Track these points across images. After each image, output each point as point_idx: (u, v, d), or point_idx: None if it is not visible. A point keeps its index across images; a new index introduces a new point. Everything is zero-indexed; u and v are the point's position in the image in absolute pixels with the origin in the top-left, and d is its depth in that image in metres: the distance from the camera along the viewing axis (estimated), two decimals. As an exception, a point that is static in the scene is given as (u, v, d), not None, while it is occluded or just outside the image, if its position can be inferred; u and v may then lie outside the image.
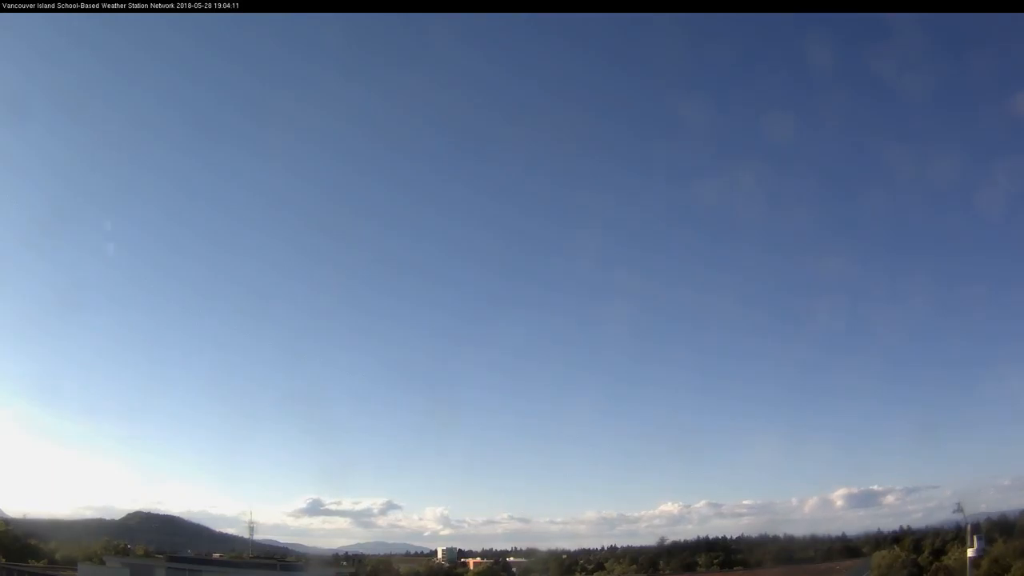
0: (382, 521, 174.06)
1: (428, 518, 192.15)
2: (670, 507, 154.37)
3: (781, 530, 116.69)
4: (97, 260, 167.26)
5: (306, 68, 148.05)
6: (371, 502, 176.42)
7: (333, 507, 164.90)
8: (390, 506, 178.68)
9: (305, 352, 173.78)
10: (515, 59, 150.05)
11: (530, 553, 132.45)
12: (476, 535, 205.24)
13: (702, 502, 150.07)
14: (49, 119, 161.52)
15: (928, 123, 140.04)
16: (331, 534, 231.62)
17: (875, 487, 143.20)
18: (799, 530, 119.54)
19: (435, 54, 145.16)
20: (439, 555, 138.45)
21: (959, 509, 70.23)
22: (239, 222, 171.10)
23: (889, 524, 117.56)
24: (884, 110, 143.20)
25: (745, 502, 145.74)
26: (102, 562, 77.44)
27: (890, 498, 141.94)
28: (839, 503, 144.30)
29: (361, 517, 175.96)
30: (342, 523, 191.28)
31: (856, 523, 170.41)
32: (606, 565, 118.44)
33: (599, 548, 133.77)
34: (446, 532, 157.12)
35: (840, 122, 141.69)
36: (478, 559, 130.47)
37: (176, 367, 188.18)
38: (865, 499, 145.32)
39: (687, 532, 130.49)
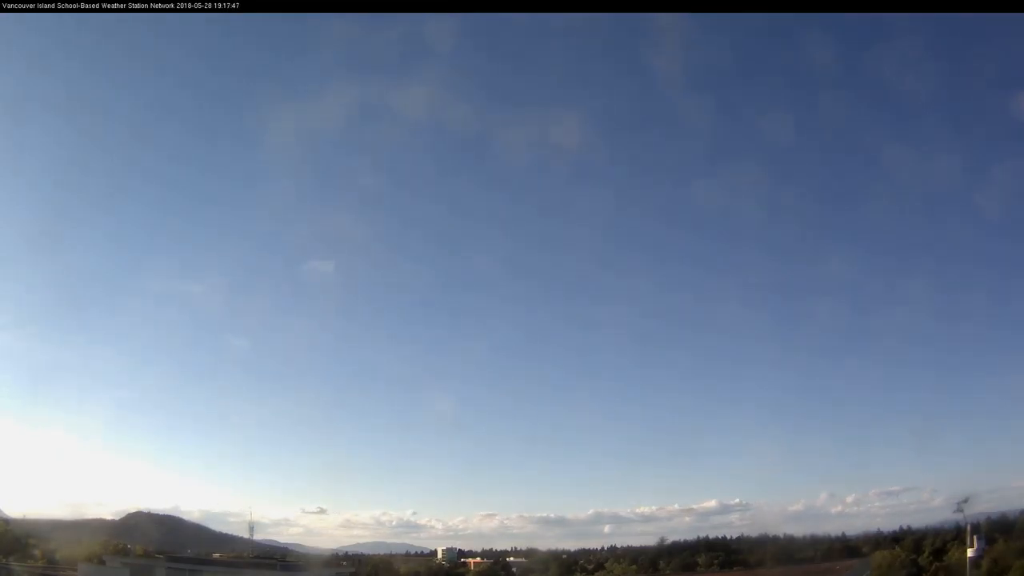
0: (382, 521, 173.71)
1: (427, 518, 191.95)
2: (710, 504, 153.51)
3: (798, 529, 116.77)
4: (98, 259, 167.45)
5: (306, 68, 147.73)
6: (370, 501, 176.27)
7: (333, 507, 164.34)
8: (390, 506, 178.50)
9: (304, 351, 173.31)
10: (515, 59, 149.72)
11: (530, 553, 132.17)
12: (477, 535, 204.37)
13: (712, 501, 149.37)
14: (48, 121, 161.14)
15: (928, 124, 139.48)
16: (331, 534, 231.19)
17: (893, 487, 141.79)
18: (833, 528, 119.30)
19: (435, 54, 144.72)
20: (439, 555, 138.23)
21: (960, 508, 70.31)
22: (239, 221, 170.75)
23: (891, 524, 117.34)
24: (884, 111, 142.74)
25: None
26: (102, 562, 77.47)
27: (898, 498, 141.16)
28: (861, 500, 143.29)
29: (361, 517, 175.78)
30: (342, 522, 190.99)
31: (875, 522, 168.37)
32: (606, 565, 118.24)
33: (599, 548, 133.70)
34: (447, 532, 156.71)
35: (840, 123, 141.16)
36: (478, 559, 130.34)
37: (176, 366, 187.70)
38: (876, 498, 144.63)
39: (703, 530, 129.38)
